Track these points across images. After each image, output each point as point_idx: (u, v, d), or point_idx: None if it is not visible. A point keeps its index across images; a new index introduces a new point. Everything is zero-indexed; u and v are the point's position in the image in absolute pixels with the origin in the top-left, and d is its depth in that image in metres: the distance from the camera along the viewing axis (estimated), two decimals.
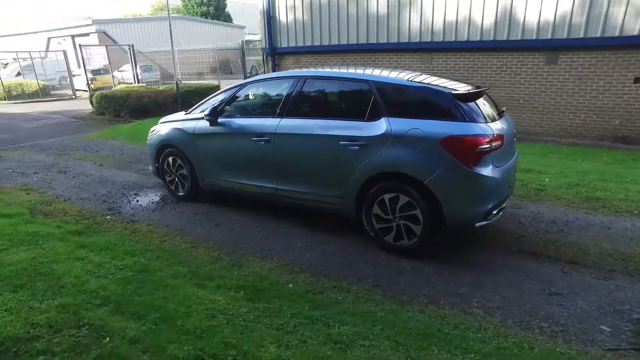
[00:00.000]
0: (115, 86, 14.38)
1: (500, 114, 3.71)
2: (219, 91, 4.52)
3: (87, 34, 23.40)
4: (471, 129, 3.13)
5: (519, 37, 8.35)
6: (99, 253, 3.23)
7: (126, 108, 11.48)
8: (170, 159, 4.79)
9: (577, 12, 7.55)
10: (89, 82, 14.68)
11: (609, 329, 2.55)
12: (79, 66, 19.08)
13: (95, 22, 23.49)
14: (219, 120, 4.23)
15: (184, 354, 1.96)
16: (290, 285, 3.04)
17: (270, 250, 3.63)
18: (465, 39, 8.94)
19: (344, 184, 3.57)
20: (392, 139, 3.31)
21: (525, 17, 8.15)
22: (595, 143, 7.85)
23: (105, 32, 23.15)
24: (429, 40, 9.34)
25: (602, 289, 2.99)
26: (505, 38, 8.49)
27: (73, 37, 24.16)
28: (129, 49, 14.77)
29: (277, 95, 4.02)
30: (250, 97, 4.24)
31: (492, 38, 8.63)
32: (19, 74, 18.70)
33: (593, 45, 7.61)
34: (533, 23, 8.03)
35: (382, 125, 3.38)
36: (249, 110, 4.20)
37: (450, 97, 3.26)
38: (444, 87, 3.43)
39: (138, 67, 19.97)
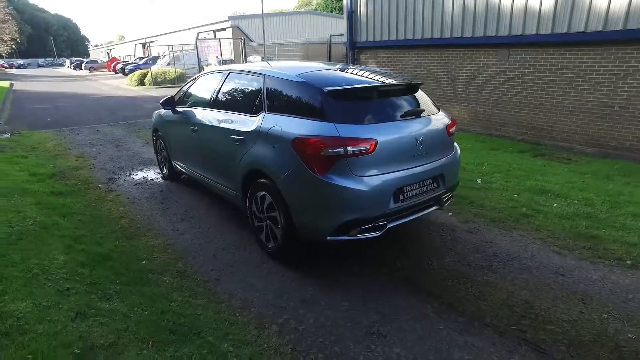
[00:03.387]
0: None
1: (412, 115, 3.18)
2: (187, 81, 4.94)
3: (224, 29, 26.94)
4: (320, 130, 2.82)
5: (620, 27, 6.60)
6: (40, 211, 4.01)
7: None
8: (158, 140, 5.45)
9: None
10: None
11: None
12: (217, 56, 22.16)
13: (231, 18, 26.78)
14: (177, 108, 4.65)
15: None
16: (144, 262, 3.28)
17: (173, 230, 3.92)
18: (549, 32, 7.47)
19: (235, 177, 3.60)
20: (260, 136, 3.22)
21: (630, 1, 6.40)
22: None
23: (238, 27, 26.20)
24: (506, 34, 8.09)
25: (445, 342, 2.41)
26: (600, 29, 6.81)
27: (214, 31, 28.13)
28: (241, 42, 16.57)
29: (211, 88, 4.21)
30: (199, 88, 4.52)
31: (582, 30, 7.01)
32: (168, 64, 22.85)
33: None
34: None
35: (257, 121, 3.29)
36: (195, 101, 4.50)
37: (322, 93, 2.97)
38: (328, 81, 3.12)
39: (259, 58, 22.15)
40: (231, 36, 24.63)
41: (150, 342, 2.24)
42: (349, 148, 2.77)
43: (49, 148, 7.42)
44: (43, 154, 6.95)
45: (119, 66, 32.32)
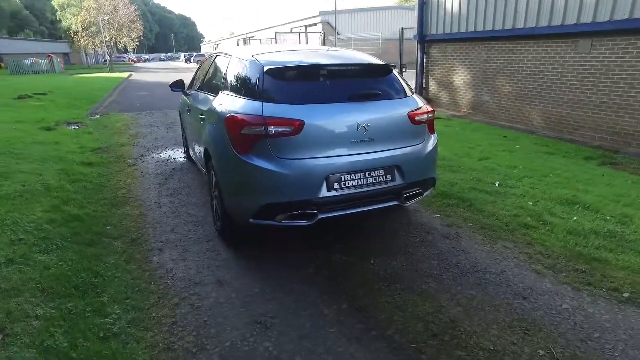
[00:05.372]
0: None
1: (360, 97, 2.89)
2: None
3: (315, 24, 27.62)
4: (247, 108, 2.73)
5: None
6: (58, 176, 4.59)
7: None
8: (181, 123, 5.82)
9: None
10: None
11: None
12: None
13: (321, 13, 27.27)
14: (187, 91, 4.90)
15: None
16: (109, 227, 3.55)
17: (155, 203, 4.17)
18: None
19: (201, 157, 3.67)
20: (210, 115, 3.23)
21: None
22: None
23: (328, 22, 26.55)
24: (590, 20, 6.87)
25: (323, 346, 2.18)
26: None
27: (306, 26, 29.00)
28: (321, 36, 16.84)
29: (205, 70, 4.36)
30: (200, 71, 4.69)
31: None
32: None
33: None
34: None
35: (213, 100, 3.31)
36: (195, 83, 4.67)
37: (260, 71, 2.87)
38: (278, 61, 2.98)
39: None
40: (320, 30, 25.07)
41: (46, 293, 2.42)
42: (271, 128, 2.63)
43: (116, 127, 8.43)
44: (107, 131, 7.93)
45: None
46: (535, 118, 8.20)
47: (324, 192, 2.75)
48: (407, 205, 3.14)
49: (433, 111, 3.22)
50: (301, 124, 2.65)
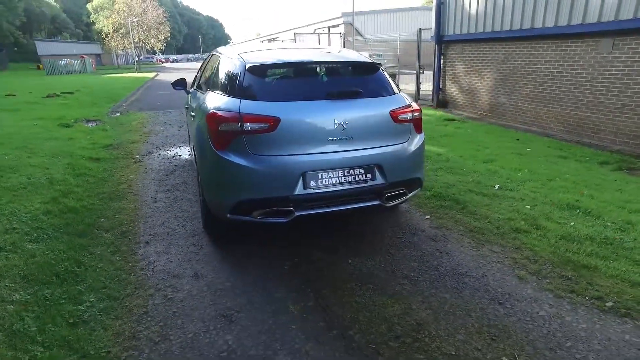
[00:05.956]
0: None
1: (341, 95, 2.87)
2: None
3: (337, 25, 27.72)
4: (226, 105, 2.77)
5: None
6: (64, 170, 4.79)
7: None
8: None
9: None
10: None
11: None
12: None
13: (344, 14, 27.24)
14: (189, 89, 4.99)
15: None
16: (102, 219, 3.66)
17: (151, 198, 4.27)
18: None
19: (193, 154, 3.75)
20: (197, 112, 3.29)
21: None
22: None
23: (350, 23, 26.52)
24: (612, 19, 6.57)
25: (282, 342, 2.17)
26: None
27: (329, 27, 29.13)
28: (341, 37, 16.86)
29: (203, 69, 4.43)
30: (200, 70, 4.77)
31: None
32: None
33: None
34: None
35: (201, 98, 3.37)
36: (195, 82, 4.76)
37: (243, 68, 2.90)
38: (262, 60, 3.00)
39: (368, 54, 22.10)
40: (343, 31, 25.15)
41: (27, 279, 2.52)
42: (247, 124, 2.66)
43: (131, 125, 8.70)
44: (122, 129, 8.20)
45: None
46: (552, 121, 7.91)
47: (300, 190, 2.75)
48: (389, 205, 3.08)
49: (419, 110, 3.16)
50: (277, 120, 2.66)
